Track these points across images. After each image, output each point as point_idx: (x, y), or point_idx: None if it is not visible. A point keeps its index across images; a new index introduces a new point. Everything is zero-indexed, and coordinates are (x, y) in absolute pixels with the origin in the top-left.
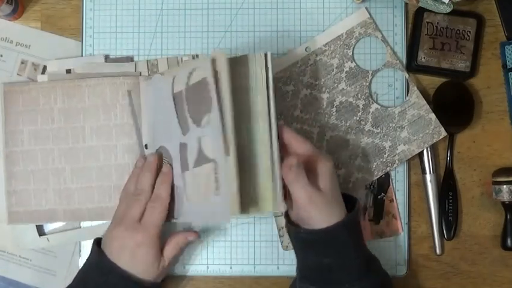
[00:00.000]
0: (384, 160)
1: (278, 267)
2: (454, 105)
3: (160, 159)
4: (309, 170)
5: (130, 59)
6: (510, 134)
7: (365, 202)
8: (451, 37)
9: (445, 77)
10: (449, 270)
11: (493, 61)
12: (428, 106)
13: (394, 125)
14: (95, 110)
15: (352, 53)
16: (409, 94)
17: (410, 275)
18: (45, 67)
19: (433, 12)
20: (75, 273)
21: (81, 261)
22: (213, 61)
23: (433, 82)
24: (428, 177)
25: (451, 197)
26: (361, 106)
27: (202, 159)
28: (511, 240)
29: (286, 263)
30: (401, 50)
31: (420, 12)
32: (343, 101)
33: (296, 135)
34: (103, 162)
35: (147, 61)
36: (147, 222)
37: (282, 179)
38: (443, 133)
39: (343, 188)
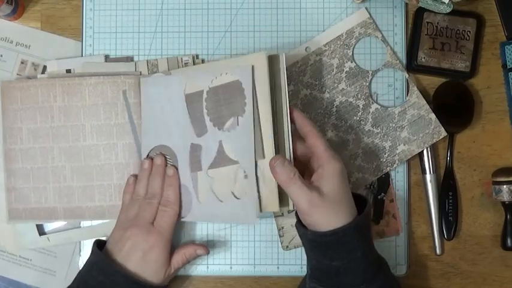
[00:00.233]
0: (384, 160)
1: (278, 267)
2: (454, 105)
3: (165, 160)
4: (315, 170)
5: (130, 59)
6: (510, 134)
7: None
8: (451, 37)
9: (445, 77)
10: (449, 270)
11: (493, 61)
12: (428, 106)
13: (394, 125)
14: (95, 109)
15: (352, 53)
16: (409, 94)
17: (411, 275)
18: (45, 67)
19: (433, 12)
20: (75, 273)
21: (81, 261)
22: (253, 67)
23: (433, 82)
24: (428, 177)
25: (451, 197)
26: (361, 106)
27: (223, 160)
28: (511, 240)
29: (286, 263)
30: (401, 50)
31: (420, 12)
32: (343, 101)
33: (313, 128)
34: (104, 161)
35: (147, 61)
36: (159, 225)
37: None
38: (443, 133)
39: None
